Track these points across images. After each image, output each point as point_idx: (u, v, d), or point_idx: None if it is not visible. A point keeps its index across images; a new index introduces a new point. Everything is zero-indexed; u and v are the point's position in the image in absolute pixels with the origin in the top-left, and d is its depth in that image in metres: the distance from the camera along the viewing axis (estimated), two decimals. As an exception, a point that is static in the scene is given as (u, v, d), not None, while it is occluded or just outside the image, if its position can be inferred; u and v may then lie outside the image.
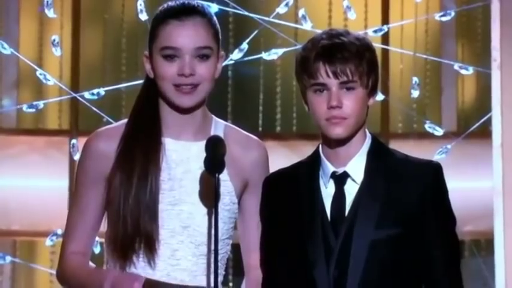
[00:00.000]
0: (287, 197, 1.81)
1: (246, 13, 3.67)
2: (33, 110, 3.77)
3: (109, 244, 1.85)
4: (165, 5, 1.88)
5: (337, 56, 1.77)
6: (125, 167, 1.83)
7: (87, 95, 3.69)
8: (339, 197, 1.79)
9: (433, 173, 1.79)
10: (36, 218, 4.09)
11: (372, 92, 1.81)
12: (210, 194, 1.82)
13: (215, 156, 1.77)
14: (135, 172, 1.82)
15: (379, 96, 4.10)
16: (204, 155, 1.81)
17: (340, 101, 1.77)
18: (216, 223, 1.75)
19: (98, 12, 4.21)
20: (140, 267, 1.82)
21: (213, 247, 1.78)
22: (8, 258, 3.77)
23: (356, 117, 1.79)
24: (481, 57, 4.17)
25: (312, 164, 1.82)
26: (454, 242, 1.80)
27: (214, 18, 1.87)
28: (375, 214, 1.76)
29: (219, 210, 1.80)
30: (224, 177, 1.84)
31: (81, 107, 3.89)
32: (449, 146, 3.66)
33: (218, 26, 1.87)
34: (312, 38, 1.82)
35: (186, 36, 1.82)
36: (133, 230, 1.81)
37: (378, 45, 4.35)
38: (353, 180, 1.79)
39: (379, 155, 1.80)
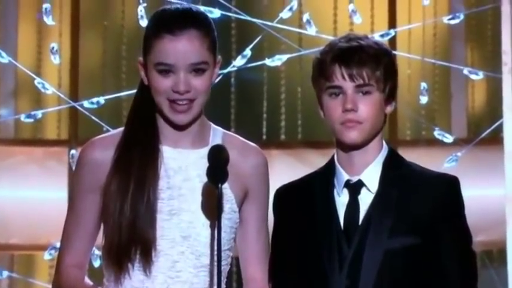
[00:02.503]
0: (299, 207, 1.82)
1: (249, 18, 3.69)
2: (32, 120, 3.80)
3: (104, 255, 1.85)
4: (160, 12, 1.87)
5: (353, 58, 1.79)
6: (121, 175, 1.83)
7: (86, 104, 3.72)
8: (353, 206, 1.79)
9: (449, 186, 1.80)
10: (35, 231, 4.10)
11: (389, 99, 1.82)
12: (210, 203, 1.83)
13: (218, 166, 1.77)
14: (132, 179, 1.82)
15: (387, 103, 4.10)
16: (203, 162, 1.82)
17: (355, 104, 1.78)
18: (219, 234, 1.75)
19: (97, 19, 4.23)
20: (138, 281, 1.82)
21: (216, 258, 1.78)
22: (5, 273, 3.78)
23: (371, 123, 1.79)
24: (491, 61, 4.18)
25: (327, 173, 1.83)
26: (468, 260, 1.80)
27: (211, 25, 1.86)
28: (389, 224, 1.77)
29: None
30: (224, 185, 1.83)
31: (81, 116, 3.91)
32: (459, 154, 3.67)
33: (215, 33, 1.86)
34: (330, 41, 1.84)
35: (180, 52, 1.81)
36: (129, 238, 1.81)
37: (385, 50, 4.34)
38: (368, 189, 1.80)
39: (394, 166, 1.81)
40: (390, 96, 1.82)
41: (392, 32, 3.84)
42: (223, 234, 1.83)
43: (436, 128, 3.76)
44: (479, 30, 4.29)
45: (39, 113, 3.78)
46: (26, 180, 4.15)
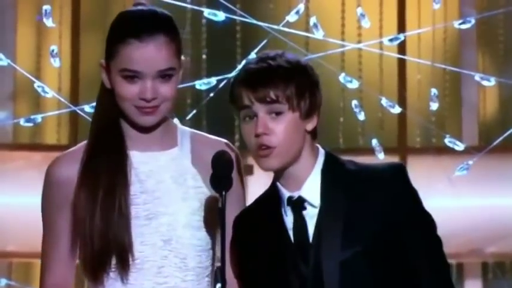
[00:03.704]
0: (254, 235, 1.81)
1: (254, 22, 3.67)
2: (31, 124, 3.78)
3: (80, 267, 1.84)
4: (124, 14, 1.85)
5: (259, 80, 1.77)
6: (89, 185, 1.81)
7: (87, 108, 3.70)
8: (299, 223, 1.77)
9: (394, 175, 1.77)
10: (33, 238, 4.07)
11: (308, 116, 1.78)
12: (189, 204, 1.82)
13: (223, 173, 1.76)
14: (100, 188, 1.81)
15: (396, 109, 4.11)
16: (173, 163, 1.83)
17: (266, 127, 1.76)
18: (223, 243, 1.74)
19: (98, 21, 4.21)
20: None
21: (201, 259, 1.79)
22: (3, 281, 3.76)
23: (287, 144, 1.76)
24: (503, 67, 4.15)
25: (271, 193, 1.81)
26: (435, 247, 1.76)
27: (177, 29, 1.84)
28: (339, 234, 1.75)
29: (198, 218, 1.81)
30: (198, 183, 1.84)
31: (81, 120, 3.89)
32: (470, 162, 3.64)
33: (180, 35, 1.84)
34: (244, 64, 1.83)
35: (147, 59, 1.80)
36: (102, 247, 1.79)
37: (394, 55, 4.35)
38: (310, 204, 1.78)
39: (334, 172, 1.78)
40: (308, 112, 1.78)
41: (401, 36, 3.82)
42: (204, 234, 1.83)
43: (447, 136, 3.73)
44: (491, 35, 4.27)
45: (38, 117, 3.76)
46: (24, 186, 4.13)
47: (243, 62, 3.70)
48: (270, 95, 1.76)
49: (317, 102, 1.79)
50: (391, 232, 1.75)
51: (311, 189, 1.78)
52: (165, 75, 1.81)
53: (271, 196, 1.81)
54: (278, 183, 1.80)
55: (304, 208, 1.78)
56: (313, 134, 1.80)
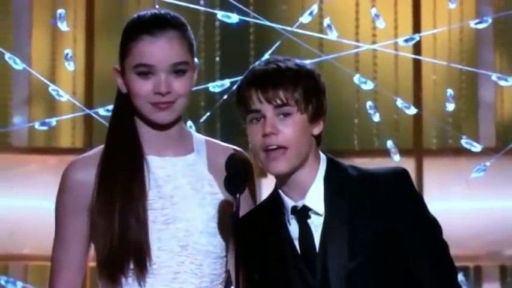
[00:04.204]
0: (257, 243, 1.80)
1: (268, 23, 3.67)
2: (46, 128, 3.80)
3: (97, 272, 1.84)
4: (136, 16, 1.87)
5: (269, 81, 1.76)
6: (107, 190, 1.82)
7: (101, 111, 3.71)
8: (305, 233, 1.76)
9: (396, 181, 1.76)
10: (49, 241, 4.08)
11: (315, 120, 1.78)
12: (205, 210, 1.83)
13: (237, 176, 1.76)
14: (118, 193, 1.81)
15: (412, 110, 4.10)
16: (190, 169, 1.84)
17: (275, 128, 1.75)
18: (238, 247, 1.74)
19: (112, 24, 4.23)
20: None
21: (216, 266, 1.80)
22: (19, 284, 3.78)
23: (296, 146, 1.76)
24: (521, 67, 4.12)
25: (274, 200, 1.80)
26: (440, 249, 1.75)
27: (188, 28, 1.86)
28: (345, 243, 1.74)
29: (214, 225, 1.82)
30: (214, 189, 1.84)
31: (96, 124, 3.91)
32: (487, 163, 3.62)
33: (192, 36, 1.86)
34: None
35: (160, 52, 1.81)
36: (121, 250, 1.80)
37: (409, 55, 4.33)
38: (315, 213, 1.76)
39: (337, 179, 1.77)
40: (315, 116, 1.78)
41: (416, 36, 3.80)
42: (219, 240, 1.83)
43: (463, 137, 3.71)
44: (508, 35, 4.24)
45: (53, 121, 3.78)
46: (39, 190, 4.14)
47: (257, 63, 3.72)
48: (279, 96, 1.75)
49: (324, 107, 1.79)
50: (395, 237, 1.74)
51: (315, 197, 1.77)
52: (178, 70, 1.82)
53: (274, 204, 1.80)
54: (281, 192, 1.79)
55: (309, 217, 1.76)
56: (318, 139, 1.80)
